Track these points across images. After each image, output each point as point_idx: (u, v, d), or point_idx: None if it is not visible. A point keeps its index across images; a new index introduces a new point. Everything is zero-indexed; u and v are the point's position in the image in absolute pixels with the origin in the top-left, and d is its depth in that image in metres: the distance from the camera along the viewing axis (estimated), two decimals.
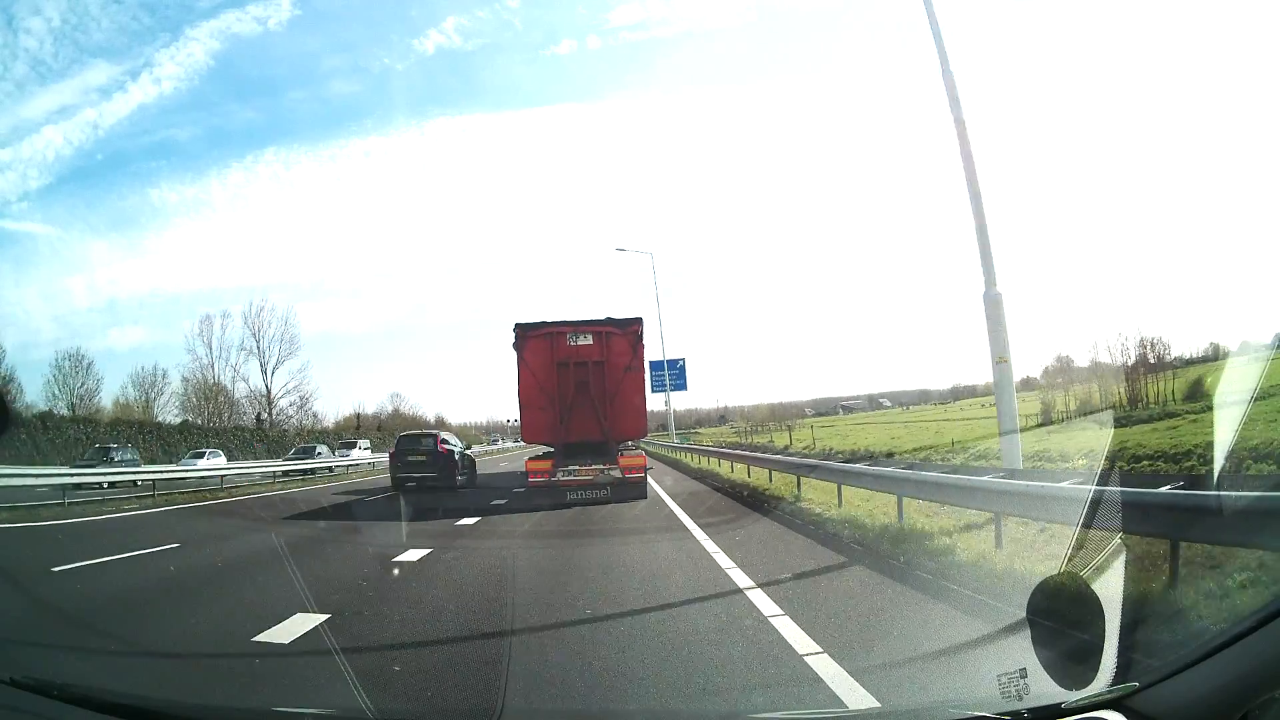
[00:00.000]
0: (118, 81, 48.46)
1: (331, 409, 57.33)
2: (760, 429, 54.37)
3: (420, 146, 66.80)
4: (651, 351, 39.45)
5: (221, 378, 44.46)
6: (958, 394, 73.29)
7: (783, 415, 62.06)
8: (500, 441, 67.59)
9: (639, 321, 14.52)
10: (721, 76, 75.92)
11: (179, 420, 38.98)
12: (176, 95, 51.59)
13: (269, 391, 45.95)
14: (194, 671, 4.03)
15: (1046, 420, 23.94)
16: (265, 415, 45.46)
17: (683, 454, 30.44)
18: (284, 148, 69.42)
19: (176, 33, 53.34)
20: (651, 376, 40.83)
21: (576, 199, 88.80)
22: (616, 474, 13.46)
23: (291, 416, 46.74)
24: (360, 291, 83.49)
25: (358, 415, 55.50)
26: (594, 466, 13.50)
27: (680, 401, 45.93)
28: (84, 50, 49.62)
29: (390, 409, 61.60)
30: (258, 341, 45.46)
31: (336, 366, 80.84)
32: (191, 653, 4.40)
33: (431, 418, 65.66)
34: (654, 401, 43.09)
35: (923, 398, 77.19)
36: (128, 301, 65.21)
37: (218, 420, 41.86)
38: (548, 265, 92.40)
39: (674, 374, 40.99)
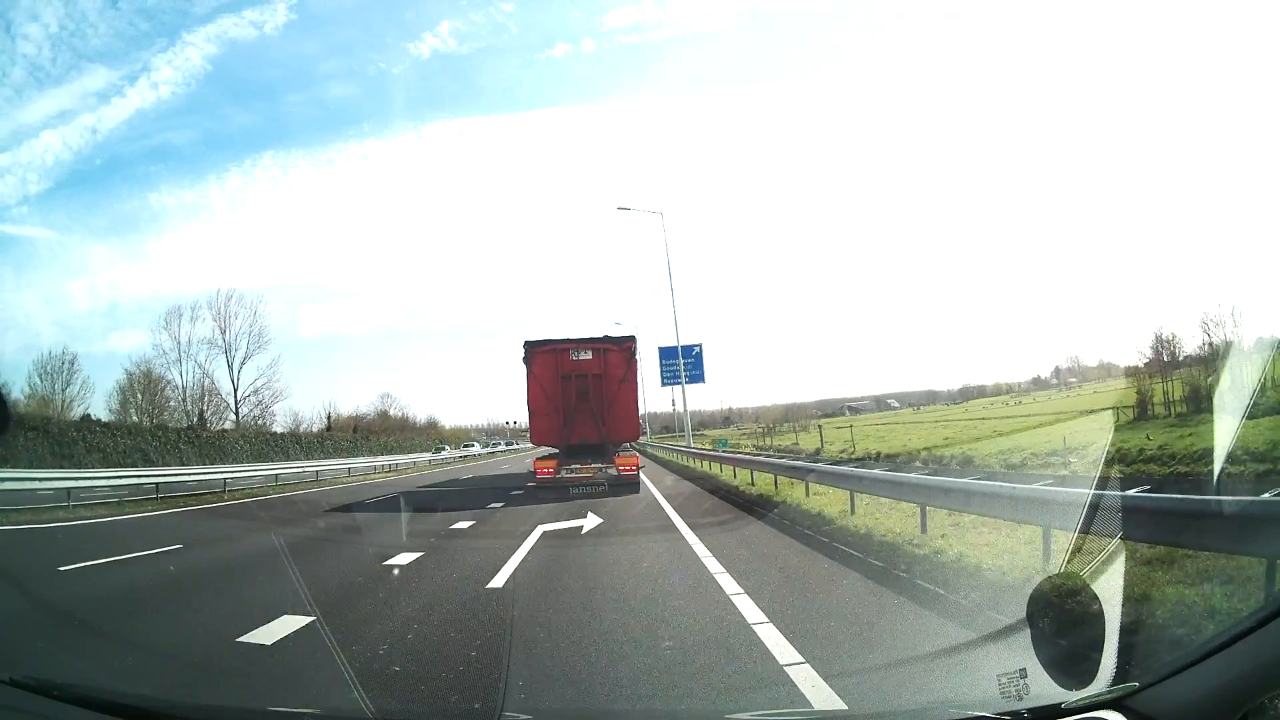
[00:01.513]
0: (115, 86, 48.29)
1: (321, 411, 52.47)
2: (774, 430, 53.31)
3: (417, 150, 66.58)
4: (663, 335, 37.21)
5: (187, 374, 40.67)
6: (967, 394, 72.96)
7: (794, 416, 61.60)
8: (498, 445, 63.54)
9: (632, 339, 16.74)
10: (718, 78, 75.33)
11: (108, 419, 33.28)
12: (174, 100, 51.58)
13: (235, 389, 42.00)
14: (194, 671, 4.03)
15: (1143, 415, 19.80)
16: (232, 414, 41.40)
17: (713, 465, 20.75)
18: (282, 151, 68.45)
19: (173, 38, 53.19)
20: (662, 366, 37.73)
21: (573, 202, 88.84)
22: (613, 472, 15.52)
23: (258, 418, 42.77)
24: (358, 294, 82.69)
25: (329, 416, 51.27)
26: (593, 465, 15.53)
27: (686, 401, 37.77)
28: (82, 56, 49.12)
29: (377, 410, 57.70)
30: (224, 334, 41.65)
31: (333, 368, 79.88)
32: (192, 652, 4.41)
33: (423, 420, 63.22)
34: (660, 401, 40.51)
35: (930, 398, 76.66)
36: (128, 305, 65.10)
37: (162, 417, 37.09)
38: (545, 268, 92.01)
39: (689, 363, 34.06)
